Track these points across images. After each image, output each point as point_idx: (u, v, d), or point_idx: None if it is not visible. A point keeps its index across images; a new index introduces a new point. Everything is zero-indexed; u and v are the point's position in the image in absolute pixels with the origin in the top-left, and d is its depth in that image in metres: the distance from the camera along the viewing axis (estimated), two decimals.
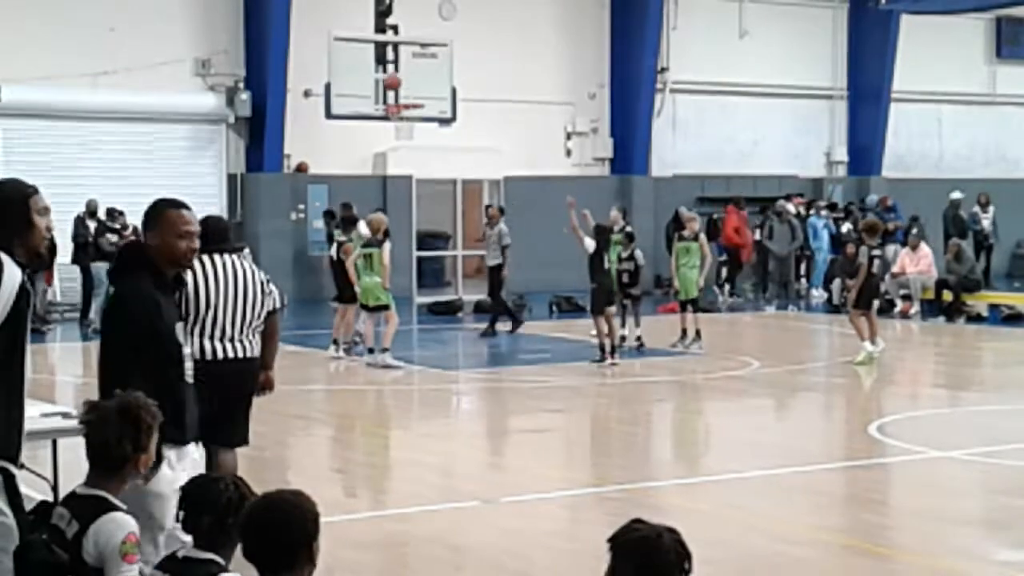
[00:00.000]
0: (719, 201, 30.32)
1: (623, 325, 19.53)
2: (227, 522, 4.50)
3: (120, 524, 4.58)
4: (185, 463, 6.11)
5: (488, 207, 23.26)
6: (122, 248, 7.15)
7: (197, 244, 6.23)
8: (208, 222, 8.74)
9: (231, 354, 8.29)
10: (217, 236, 8.64)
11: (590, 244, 17.91)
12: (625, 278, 19.25)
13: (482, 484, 10.90)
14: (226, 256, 8.53)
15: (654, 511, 9.70)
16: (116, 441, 4.72)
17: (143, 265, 6.13)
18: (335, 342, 18.57)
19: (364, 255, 17.76)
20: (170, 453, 5.92)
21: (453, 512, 9.91)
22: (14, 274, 5.15)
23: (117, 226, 22.35)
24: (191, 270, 8.38)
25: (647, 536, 3.84)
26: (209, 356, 8.25)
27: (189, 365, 6.17)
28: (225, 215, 25.50)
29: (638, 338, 19.48)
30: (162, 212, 6.17)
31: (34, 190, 5.43)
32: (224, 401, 8.21)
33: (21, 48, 24.11)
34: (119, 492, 4.79)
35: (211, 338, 8.27)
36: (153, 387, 5.64)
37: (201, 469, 6.29)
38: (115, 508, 4.66)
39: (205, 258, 8.48)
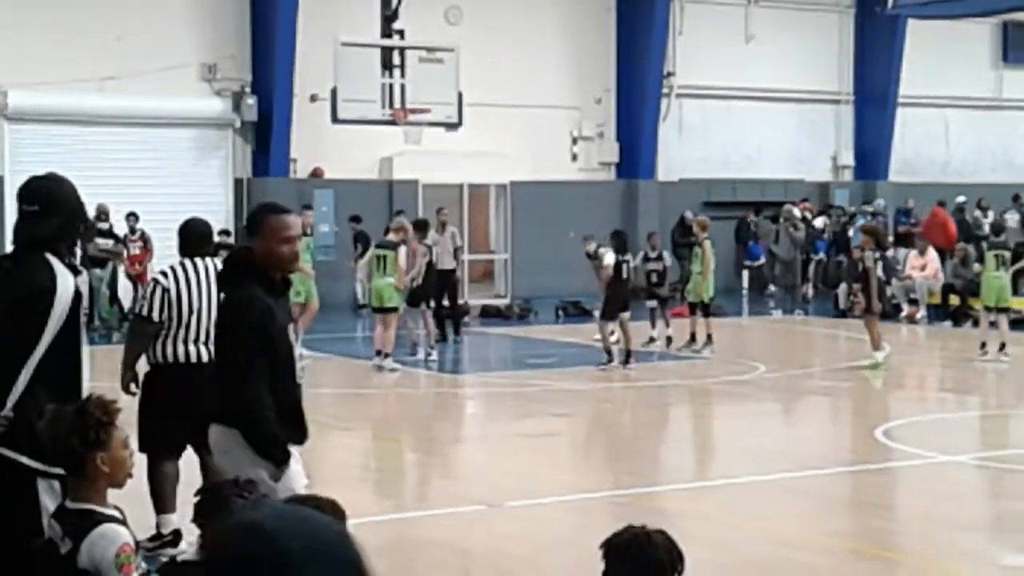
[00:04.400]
0: (725, 206, 30.37)
1: (653, 327, 19.84)
2: None
3: (111, 538, 4.53)
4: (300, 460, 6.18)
5: (439, 210, 22.88)
6: (230, 255, 7.16)
7: (299, 248, 6.21)
8: (188, 226, 8.76)
9: (213, 357, 8.27)
10: (197, 240, 8.65)
11: (610, 257, 18.02)
12: (654, 278, 19.73)
13: (488, 488, 10.89)
14: (207, 260, 8.52)
15: (661, 515, 9.70)
16: (65, 436, 4.62)
17: (252, 271, 6.11)
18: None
19: (378, 256, 17.84)
20: (293, 451, 5.99)
21: (459, 516, 9.90)
22: (67, 282, 5.19)
23: (106, 227, 22.40)
24: (175, 274, 8.43)
25: (636, 537, 3.88)
26: (195, 359, 8.25)
27: (300, 366, 6.22)
28: (232, 220, 25.58)
29: (668, 338, 19.76)
30: (263, 218, 6.13)
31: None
32: (210, 405, 8.20)
33: (28, 54, 24.15)
34: (104, 500, 4.74)
35: (195, 342, 8.25)
36: (269, 389, 5.77)
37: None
38: (105, 519, 4.61)
39: (187, 262, 8.49)
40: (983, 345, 18.57)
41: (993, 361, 18.23)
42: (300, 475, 5.99)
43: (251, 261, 6.13)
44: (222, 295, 6.60)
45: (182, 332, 8.29)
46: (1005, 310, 18.78)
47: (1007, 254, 19.36)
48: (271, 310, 5.95)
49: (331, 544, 2.05)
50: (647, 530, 3.93)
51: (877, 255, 18.24)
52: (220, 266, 8.56)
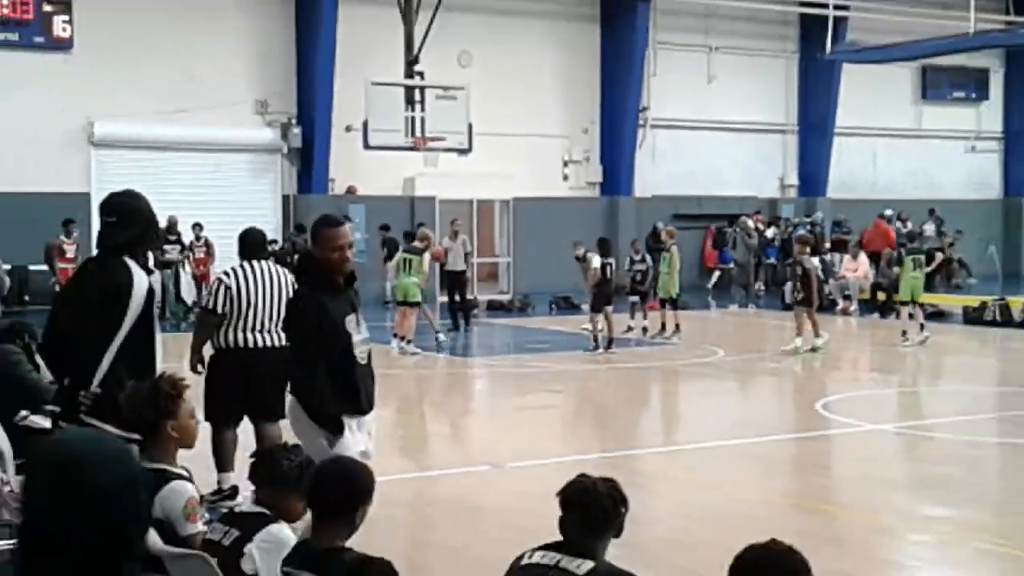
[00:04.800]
0: (691, 218, 30.36)
1: (632, 317, 19.92)
2: (286, 486, 4.48)
3: (179, 492, 4.54)
4: (364, 429, 6.08)
5: (453, 221, 22.91)
6: (301, 260, 7.18)
7: (350, 254, 6.08)
8: (247, 235, 8.75)
9: (268, 343, 8.28)
10: (255, 246, 8.65)
11: (597, 260, 18.07)
12: (638, 277, 19.96)
13: (494, 452, 10.89)
14: (263, 262, 8.52)
15: (637, 475, 9.71)
16: (140, 407, 4.66)
17: (314, 273, 6.11)
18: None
19: (405, 259, 17.99)
20: (351, 422, 5.93)
21: (468, 475, 9.90)
22: (142, 281, 5.21)
23: (173, 238, 22.45)
24: (235, 274, 8.44)
25: (585, 487, 3.88)
26: (251, 345, 8.26)
27: (362, 349, 6.03)
28: (280, 230, 25.59)
29: (644, 328, 19.89)
30: (319, 230, 6.10)
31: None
32: (263, 383, 8.18)
33: (112, 90, 24.16)
34: (174, 460, 4.73)
35: (252, 330, 8.26)
36: (328, 370, 5.74)
37: (373, 435, 6.24)
38: (175, 477, 4.61)
39: (246, 264, 8.48)
40: (904, 333, 18.61)
41: (913, 345, 18.28)
42: (355, 442, 5.88)
43: (314, 265, 6.14)
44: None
45: (241, 322, 8.29)
46: (920, 304, 19.05)
47: (922, 257, 19.60)
48: (323, 306, 5.91)
49: (111, 453, 2.31)
50: (593, 479, 3.93)
51: (815, 258, 18.35)
52: (273, 268, 8.59)
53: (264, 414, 8.28)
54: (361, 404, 6.05)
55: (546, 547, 3.84)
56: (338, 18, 25.52)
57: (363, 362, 6.07)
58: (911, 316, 18.78)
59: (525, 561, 3.84)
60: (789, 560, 3.25)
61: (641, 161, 30.43)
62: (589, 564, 3.71)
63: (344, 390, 5.91)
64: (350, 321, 6.00)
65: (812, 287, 17.88)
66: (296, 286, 6.49)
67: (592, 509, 3.82)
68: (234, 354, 8.36)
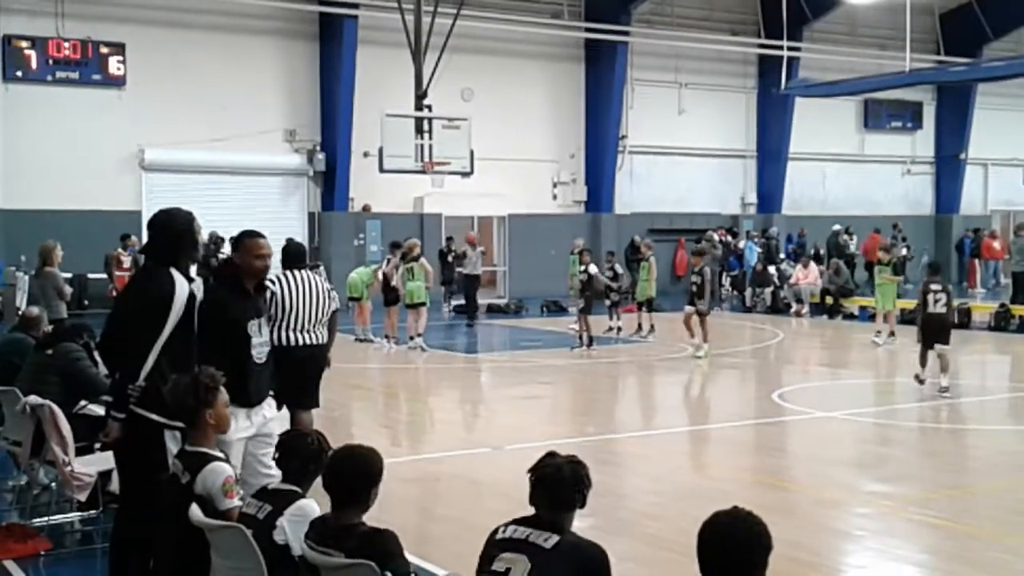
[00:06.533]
0: (664, 232, 30.35)
1: (611, 319, 19.88)
2: (309, 467, 4.46)
3: (218, 471, 4.54)
4: (255, 419, 5.72)
5: (469, 234, 23.51)
6: (220, 266, 7.01)
7: (269, 263, 5.90)
8: (290, 246, 8.73)
9: (306, 341, 8.27)
10: (297, 256, 8.64)
11: (594, 267, 18.09)
12: (607, 281, 20.02)
13: (493, 435, 10.88)
14: (303, 271, 8.51)
15: (616, 456, 9.70)
16: (182, 398, 4.66)
17: (228, 277, 5.91)
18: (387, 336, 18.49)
19: (408, 268, 17.95)
20: (237, 411, 5.58)
21: (471, 456, 9.89)
22: (184, 286, 5.18)
23: (215, 249, 22.53)
24: (280, 281, 8.40)
25: (550, 466, 3.83)
26: (293, 343, 8.24)
27: (260, 350, 5.76)
28: (306, 242, 25.56)
29: (618, 328, 19.81)
30: (243, 240, 5.95)
31: (192, 215, 5.46)
32: (301, 376, 8.17)
33: (159, 121, 24.16)
34: (212, 444, 4.73)
35: (293, 330, 8.25)
36: (226, 363, 5.52)
37: (286, 425, 6.12)
38: (214, 459, 4.61)
39: (288, 273, 8.46)
40: (879, 332, 18.63)
41: (883, 344, 18.29)
42: (236, 429, 5.45)
43: (231, 270, 5.93)
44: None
45: (284, 323, 8.26)
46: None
47: (896, 266, 19.59)
48: (226, 306, 5.62)
49: None
50: (559, 459, 3.86)
51: (700, 269, 17.66)
52: (311, 276, 8.52)
53: (299, 403, 8.28)
54: (249, 396, 5.70)
55: (517, 521, 3.79)
56: (357, 58, 25.53)
57: (260, 361, 5.78)
58: (885, 319, 18.80)
59: (499, 535, 3.77)
60: (750, 523, 3.25)
61: (620, 182, 30.43)
62: (555, 538, 3.64)
63: (234, 382, 5.48)
64: (252, 324, 5.73)
65: (706, 295, 17.53)
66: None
67: (556, 486, 3.77)
68: (277, 351, 8.33)
